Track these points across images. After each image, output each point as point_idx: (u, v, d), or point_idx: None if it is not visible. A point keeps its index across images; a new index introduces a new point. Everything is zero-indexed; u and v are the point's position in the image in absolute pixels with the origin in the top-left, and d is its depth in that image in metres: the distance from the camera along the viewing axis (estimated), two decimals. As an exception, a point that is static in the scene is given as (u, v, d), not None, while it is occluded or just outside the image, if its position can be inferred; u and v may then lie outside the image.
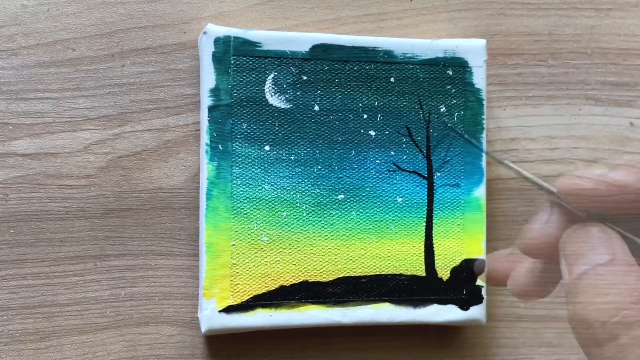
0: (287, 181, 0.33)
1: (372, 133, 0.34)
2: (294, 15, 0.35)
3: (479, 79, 0.35)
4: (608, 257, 0.25)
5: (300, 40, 0.33)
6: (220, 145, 0.33)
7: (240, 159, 0.33)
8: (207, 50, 0.33)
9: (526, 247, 0.28)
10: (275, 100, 0.33)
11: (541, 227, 0.28)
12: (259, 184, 0.33)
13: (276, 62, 0.33)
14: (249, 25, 0.35)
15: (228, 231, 0.33)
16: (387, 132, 0.34)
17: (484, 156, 0.35)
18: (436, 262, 0.34)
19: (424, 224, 0.34)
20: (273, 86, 0.33)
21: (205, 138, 0.33)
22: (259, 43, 0.33)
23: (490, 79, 0.37)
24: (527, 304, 0.30)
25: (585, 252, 0.26)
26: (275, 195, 0.33)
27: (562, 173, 0.36)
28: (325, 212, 0.34)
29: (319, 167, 0.34)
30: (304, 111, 0.33)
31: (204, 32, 0.33)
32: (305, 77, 0.33)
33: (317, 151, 0.34)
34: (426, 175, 0.35)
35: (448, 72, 0.35)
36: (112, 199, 0.34)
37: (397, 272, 0.34)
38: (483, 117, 0.35)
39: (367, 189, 0.34)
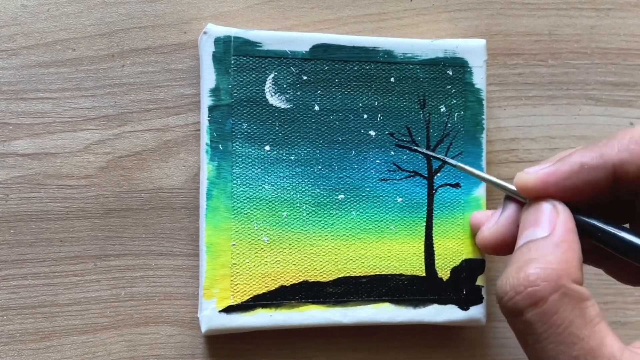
0: (287, 181, 0.33)
1: (372, 133, 0.34)
2: (294, 15, 0.35)
3: (479, 79, 0.35)
4: (547, 232, 0.25)
5: (300, 40, 0.33)
6: (220, 145, 0.33)
7: (240, 159, 0.33)
8: (207, 50, 0.33)
9: (484, 241, 0.30)
10: (275, 100, 0.33)
11: (493, 224, 0.30)
12: (259, 184, 0.33)
13: (276, 62, 0.33)
14: (249, 25, 0.35)
15: (228, 231, 0.33)
16: (387, 132, 0.34)
17: (484, 156, 0.35)
18: (436, 262, 0.34)
19: (424, 224, 0.34)
20: (273, 86, 0.33)
21: (205, 138, 0.33)
22: (259, 43, 0.33)
23: (490, 79, 0.37)
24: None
25: (530, 225, 0.26)
26: (276, 195, 0.33)
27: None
28: (325, 212, 0.34)
29: (319, 167, 0.34)
30: (304, 111, 0.33)
31: (204, 32, 0.33)
32: (305, 77, 0.33)
33: (317, 151, 0.34)
34: (426, 175, 0.35)
35: (448, 72, 0.35)
36: (112, 199, 0.34)
37: (397, 272, 0.34)
38: (483, 117, 0.35)
39: (367, 189, 0.34)
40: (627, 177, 0.26)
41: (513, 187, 0.29)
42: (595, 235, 0.26)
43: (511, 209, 0.30)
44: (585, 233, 0.27)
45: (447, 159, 0.33)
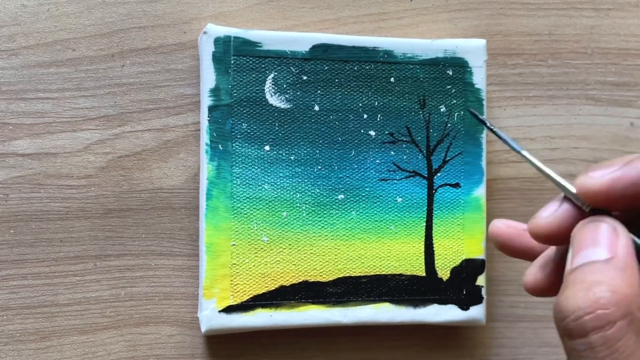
0: (287, 181, 0.33)
1: (372, 133, 0.34)
2: (294, 15, 0.35)
3: (479, 79, 0.35)
4: (608, 255, 0.24)
5: (300, 40, 0.33)
6: (220, 145, 0.33)
7: (240, 159, 0.33)
8: (207, 50, 0.33)
9: (536, 228, 0.27)
10: (275, 100, 0.33)
11: (551, 214, 0.27)
12: (259, 184, 0.33)
13: (276, 62, 0.33)
14: (249, 25, 0.35)
15: (228, 231, 0.33)
16: (387, 132, 0.34)
17: (484, 156, 0.35)
18: (436, 262, 0.34)
19: (424, 224, 0.34)
20: (273, 86, 0.33)
21: (205, 138, 0.33)
22: (259, 43, 0.33)
23: (490, 79, 0.37)
24: (537, 297, 0.30)
25: (588, 245, 0.25)
26: (275, 195, 0.33)
27: (562, 173, 0.36)
28: (325, 212, 0.34)
29: (319, 167, 0.34)
30: (304, 111, 0.33)
31: (204, 32, 0.33)
32: (305, 77, 0.33)
33: (317, 151, 0.34)
34: (426, 175, 0.35)
35: (448, 72, 0.35)
36: (112, 199, 0.34)
37: (397, 272, 0.34)
38: (483, 117, 0.35)
39: (367, 189, 0.34)
40: None
41: (574, 190, 0.27)
42: None
43: (569, 206, 0.28)
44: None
45: (515, 146, 0.29)
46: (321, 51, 0.33)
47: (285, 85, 0.33)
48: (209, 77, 0.33)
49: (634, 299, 0.23)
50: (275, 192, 0.33)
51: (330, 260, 0.33)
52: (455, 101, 0.35)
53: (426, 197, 0.34)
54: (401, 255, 0.34)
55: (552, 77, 0.38)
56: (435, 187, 0.35)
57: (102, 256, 0.34)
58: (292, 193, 0.33)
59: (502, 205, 0.37)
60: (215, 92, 0.33)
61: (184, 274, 0.34)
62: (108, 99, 0.34)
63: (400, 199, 0.34)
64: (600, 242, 0.25)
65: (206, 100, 0.33)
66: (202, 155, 0.33)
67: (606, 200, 0.25)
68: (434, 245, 0.34)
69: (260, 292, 0.33)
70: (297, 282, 0.33)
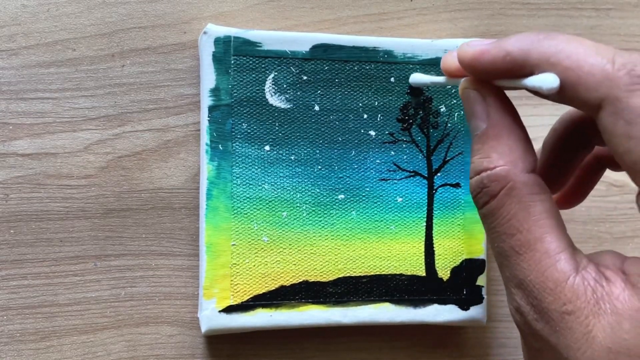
0: (287, 181, 0.33)
1: (372, 133, 0.34)
2: (294, 15, 0.35)
3: (479, 79, 0.35)
4: (484, 125, 0.27)
5: (300, 40, 0.33)
6: (220, 145, 0.33)
7: (240, 159, 0.33)
8: (207, 50, 0.33)
9: (462, 54, 0.27)
10: (275, 100, 0.33)
11: (478, 52, 0.26)
12: (259, 184, 0.33)
13: (276, 62, 0.33)
14: (249, 25, 0.35)
15: (228, 231, 0.33)
16: (387, 132, 0.34)
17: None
18: (436, 262, 0.34)
19: (424, 224, 0.34)
20: (273, 86, 0.33)
21: (205, 138, 0.33)
22: (259, 43, 0.33)
23: (490, 79, 0.37)
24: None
25: (469, 116, 0.27)
26: (275, 195, 0.33)
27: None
28: (325, 212, 0.34)
29: (319, 167, 0.34)
30: (304, 111, 0.33)
31: (204, 32, 0.33)
32: (305, 77, 0.33)
33: (317, 151, 0.34)
34: (426, 175, 0.35)
35: (448, 72, 0.35)
36: (112, 199, 0.34)
37: (397, 272, 0.34)
38: (483, 117, 0.35)
39: (367, 189, 0.34)
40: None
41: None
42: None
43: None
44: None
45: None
46: (321, 51, 0.33)
47: (285, 85, 0.33)
48: (209, 77, 0.33)
49: (514, 164, 0.25)
50: (275, 192, 0.33)
51: (331, 260, 0.33)
52: (455, 101, 0.35)
53: (426, 197, 0.34)
54: (401, 255, 0.34)
55: (552, 77, 0.38)
56: (435, 187, 0.35)
57: (102, 256, 0.34)
58: (292, 193, 0.33)
59: (502, 205, 0.37)
60: (215, 92, 0.33)
61: (184, 274, 0.34)
62: (108, 99, 0.34)
63: (401, 199, 0.34)
64: (476, 111, 0.27)
65: (206, 100, 0.33)
66: (202, 155, 0.33)
67: (474, 68, 0.26)
68: (434, 245, 0.34)
69: (261, 292, 0.33)
70: (297, 282, 0.33)
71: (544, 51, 0.24)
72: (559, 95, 0.23)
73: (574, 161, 0.31)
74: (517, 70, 0.25)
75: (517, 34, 0.25)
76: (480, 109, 0.27)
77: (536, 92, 0.24)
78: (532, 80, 0.24)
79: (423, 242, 0.34)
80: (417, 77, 0.33)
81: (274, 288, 0.33)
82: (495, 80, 0.26)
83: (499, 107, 0.26)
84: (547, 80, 0.23)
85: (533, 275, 0.24)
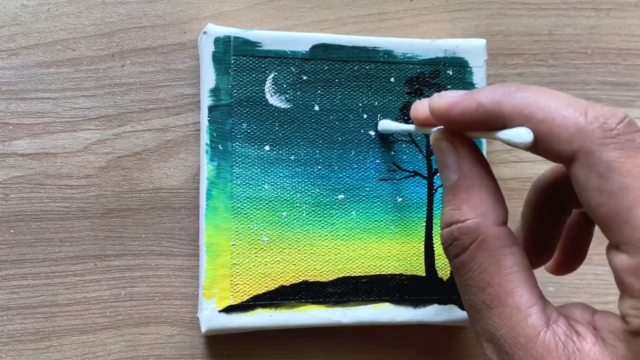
0: (287, 181, 0.33)
1: (372, 133, 0.34)
2: (294, 15, 0.35)
3: (479, 79, 0.35)
4: (454, 176, 0.26)
5: (300, 40, 0.33)
6: (220, 145, 0.33)
7: (240, 159, 0.33)
8: (207, 50, 0.33)
9: (434, 104, 0.27)
10: (275, 100, 0.33)
11: (450, 103, 0.26)
12: (259, 184, 0.33)
13: (276, 62, 0.33)
14: (249, 25, 0.35)
15: (228, 231, 0.33)
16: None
17: (485, 156, 0.35)
18: (436, 262, 0.34)
19: (424, 224, 0.34)
20: (273, 86, 0.33)
21: (205, 138, 0.33)
22: (259, 43, 0.33)
23: (490, 79, 0.37)
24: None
25: (440, 167, 0.27)
26: (275, 195, 0.33)
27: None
28: (325, 212, 0.34)
29: (319, 167, 0.34)
30: (304, 111, 0.33)
31: (204, 32, 0.33)
32: (305, 77, 0.33)
33: (317, 151, 0.34)
34: (426, 175, 0.35)
35: (448, 72, 0.35)
36: (112, 199, 0.34)
37: (397, 272, 0.34)
38: (483, 117, 0.35)
39: (367, 189, 0.34)
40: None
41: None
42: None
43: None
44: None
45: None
46: (321, 51, 0.33)
47: (285, 85, 0.33)
48: (209, 77, 0.33)
49: (484, 217, 0.25)
50: (275, 192, 0.33)
51: (330, 260, 0.33)
52: (455, 101, 0.35)
53: (426, 197, 0.34)
54: (401, 255, 0.34)
55: (552, 77, 0.38)
56: (435, 187, 0.35)
57: (102, 256, 0.34)
58: (292, 193, 0.33)
59: (502, 205, 0.37)
60: (215, 92, 0.33)
61: (184, 274, 0.34)
62: (108, 99, 0.34)
63: (400, 199, 0.34)
64: (447, 162, 0.27)
65: (206, 100, 0.33)
66: (202, 155, 0.33)
67: (445, 119, 0.26)
68: (434, 245, 0.34)
69: (260, 292, 0.33)
70: (297, 282, 0.33)
71: (516, 103, 0.23)
72: (533, 147, 0.23)
73: (557, 226, 0.30)
74: (490, 122, 0.24)
75: (488, 86, 0.25)
76: (451, 161, 0.26)
77: (509, 143, 0.24)
78: (506, 134, 0.23)
79: (423, 242, 0.34)
80: (386, 124, 0.33)
81: (273, 288, 0.33)
82: (467, 132, 0.26)
83: (471, 158, 0.26)
84: (521, 135, 0.23)
85: (504, 330, 0.24)
